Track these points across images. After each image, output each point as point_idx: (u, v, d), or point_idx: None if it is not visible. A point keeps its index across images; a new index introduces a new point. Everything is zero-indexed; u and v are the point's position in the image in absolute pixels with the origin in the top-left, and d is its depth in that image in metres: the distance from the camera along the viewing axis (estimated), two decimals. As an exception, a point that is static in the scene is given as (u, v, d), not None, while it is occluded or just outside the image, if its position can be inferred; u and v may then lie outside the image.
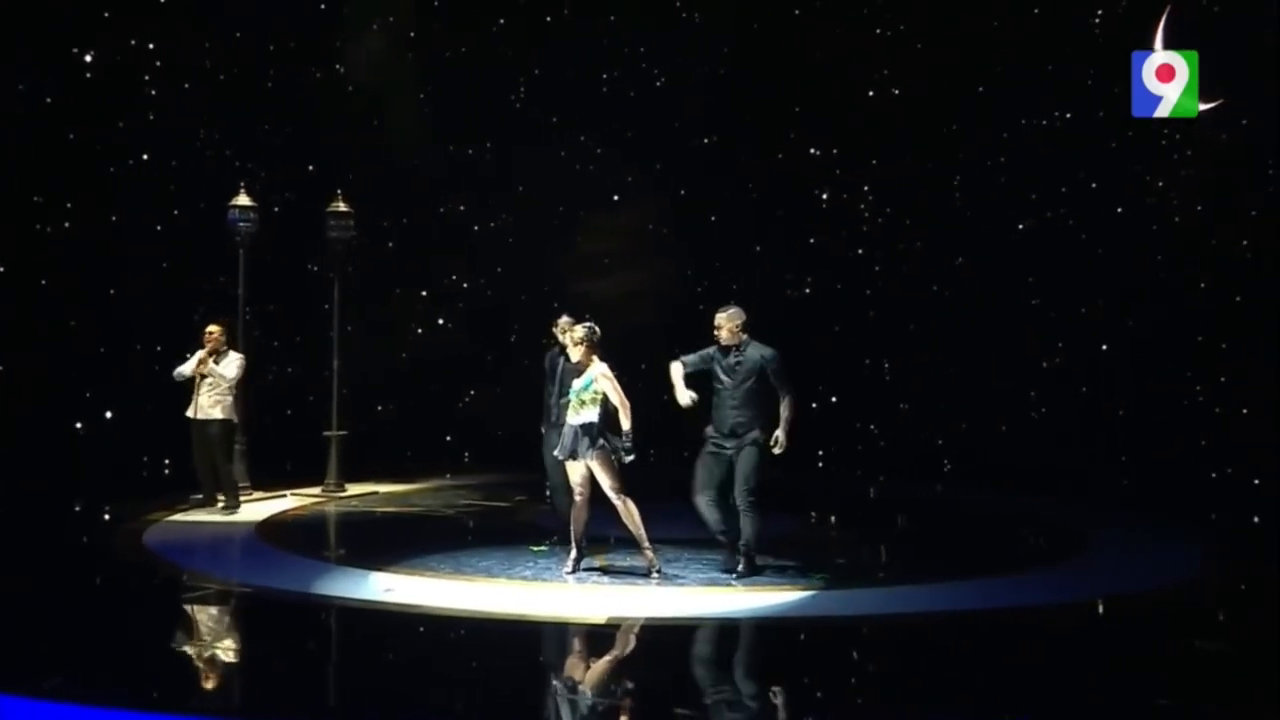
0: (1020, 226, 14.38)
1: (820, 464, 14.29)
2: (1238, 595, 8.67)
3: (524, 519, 11.64)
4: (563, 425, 8.52)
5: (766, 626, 7.71)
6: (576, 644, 7.41)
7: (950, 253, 14.77)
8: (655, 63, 15.62)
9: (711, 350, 8.41)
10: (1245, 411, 12.41)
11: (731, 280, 15.38)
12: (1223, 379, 12.84)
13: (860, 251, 15.30)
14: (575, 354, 8.41)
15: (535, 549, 9.71)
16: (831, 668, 6.69)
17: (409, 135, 14.53)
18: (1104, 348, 13.66)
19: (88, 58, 12.94)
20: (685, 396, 8.27)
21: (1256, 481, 11.68)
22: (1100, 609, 7.98)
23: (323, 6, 14.09)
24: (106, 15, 12.98)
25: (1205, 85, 12.10)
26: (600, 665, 6.86)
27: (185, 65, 13.53)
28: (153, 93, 13.47)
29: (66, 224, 12.85)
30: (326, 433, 12.81)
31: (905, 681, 6.39)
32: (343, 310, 12.99)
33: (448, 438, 15.22)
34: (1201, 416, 12.70)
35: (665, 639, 7.56)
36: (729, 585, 8.37)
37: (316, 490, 12.67)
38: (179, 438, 11.44)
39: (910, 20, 14.88)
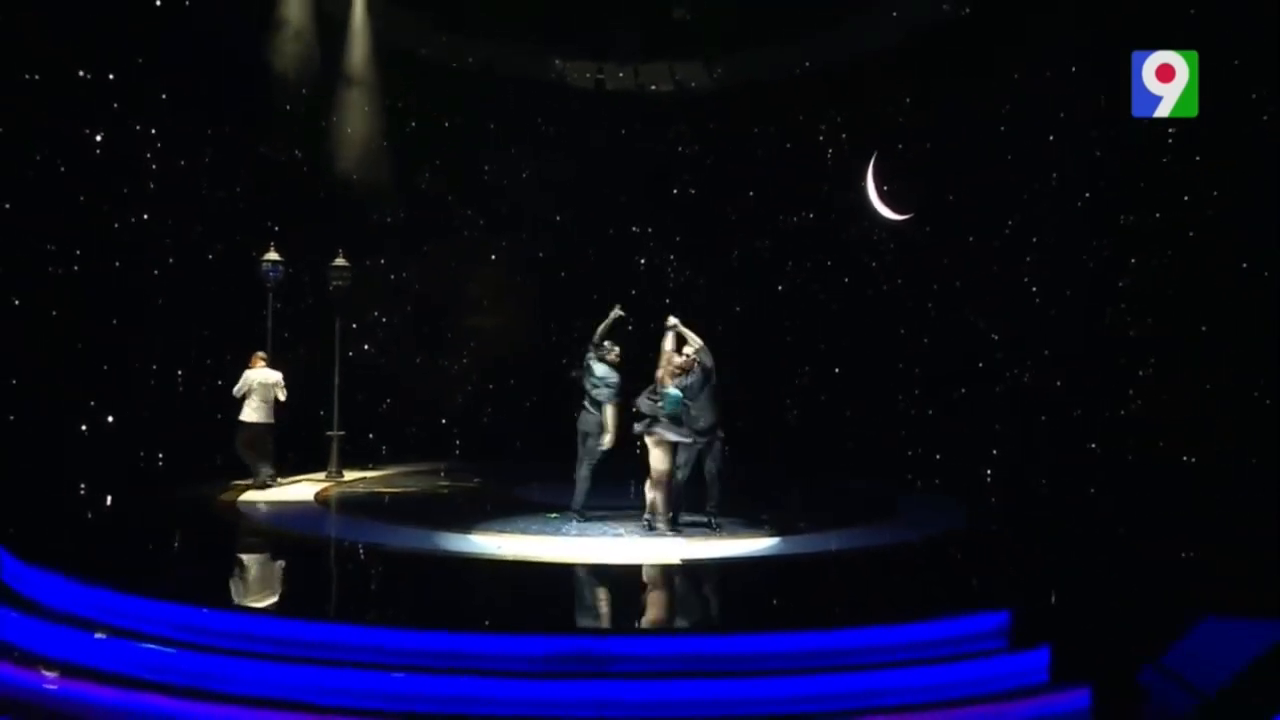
0: (779, 288, 17.23)
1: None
2: (988, 537, 10.70)
3: (510, 495, 12.15)
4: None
5: (788, 560, 8.92)
6: (677, 578, 8.19)
7: (728, 303, 17.19)
8: (521, 159, 17.22)
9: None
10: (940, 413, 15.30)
11: (572, 319, 17.54)
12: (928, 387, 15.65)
13: (667, 301, 17.31)
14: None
15: (551, 516, 10.34)
16: (837, 581, 8.66)
17: (343, 202, 15.50)
18: (836, 370, 16.81)
19: (98, 137, 13.31)
20: None
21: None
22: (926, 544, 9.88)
23: (288, 107, 14.95)
24: (115, 106, 13.42)
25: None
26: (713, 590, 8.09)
27: (178, 145, 14.00)
28: (153, 166, 13.95)
29: (75, 268, 13.17)
30: (329, 432, 13.45)
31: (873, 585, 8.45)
32: (342, 339, 13.63)
33: (370, 435, 16.21)
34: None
35: (735, 572, 8.50)
36: (715, 533, 9.47)
37: (321, 476, 13.25)
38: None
39: (702, 140, 17.61)
